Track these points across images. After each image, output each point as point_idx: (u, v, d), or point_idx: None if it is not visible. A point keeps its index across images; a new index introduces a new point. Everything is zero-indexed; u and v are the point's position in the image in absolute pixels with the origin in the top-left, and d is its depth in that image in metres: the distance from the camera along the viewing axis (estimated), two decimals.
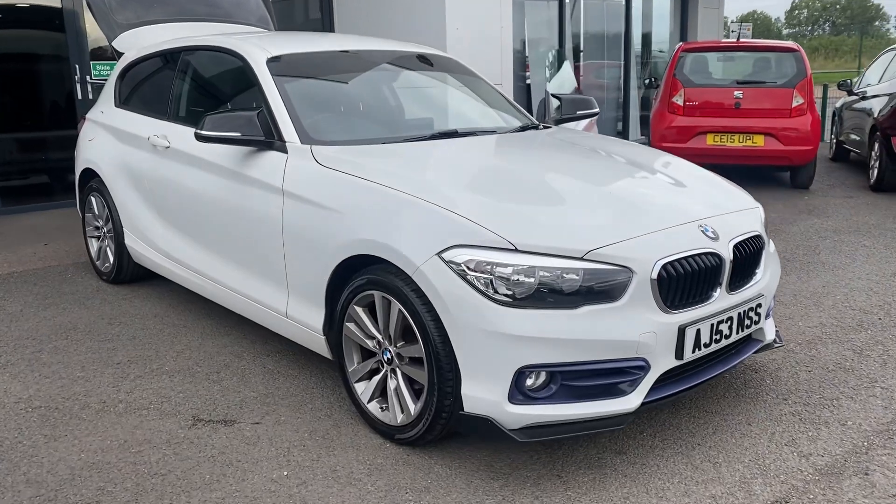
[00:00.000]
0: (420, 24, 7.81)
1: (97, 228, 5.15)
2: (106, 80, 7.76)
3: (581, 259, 2.61)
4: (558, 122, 4.61)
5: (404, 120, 3.84)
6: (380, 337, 2.99)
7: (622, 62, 12.36)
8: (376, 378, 3.04)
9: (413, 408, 2.86)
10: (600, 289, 2.62)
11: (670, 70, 8.66)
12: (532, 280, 2.58)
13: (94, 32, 7.73)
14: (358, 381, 3.12)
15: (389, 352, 2.95)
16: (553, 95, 4.81)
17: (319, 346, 3.30)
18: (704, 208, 3.06)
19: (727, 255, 2.90)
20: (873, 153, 8.66)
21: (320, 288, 3.18)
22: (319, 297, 3.21)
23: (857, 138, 9.53)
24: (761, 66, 8.73)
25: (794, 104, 8.21)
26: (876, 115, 8.55)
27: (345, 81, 3.99)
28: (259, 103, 3.68)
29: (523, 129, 4.12)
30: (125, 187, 4.64)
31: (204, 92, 4.34)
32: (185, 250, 4.12)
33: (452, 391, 2.70)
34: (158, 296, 4.81)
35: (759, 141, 8.24)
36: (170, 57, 4.54)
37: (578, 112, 4.63)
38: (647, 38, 13.54)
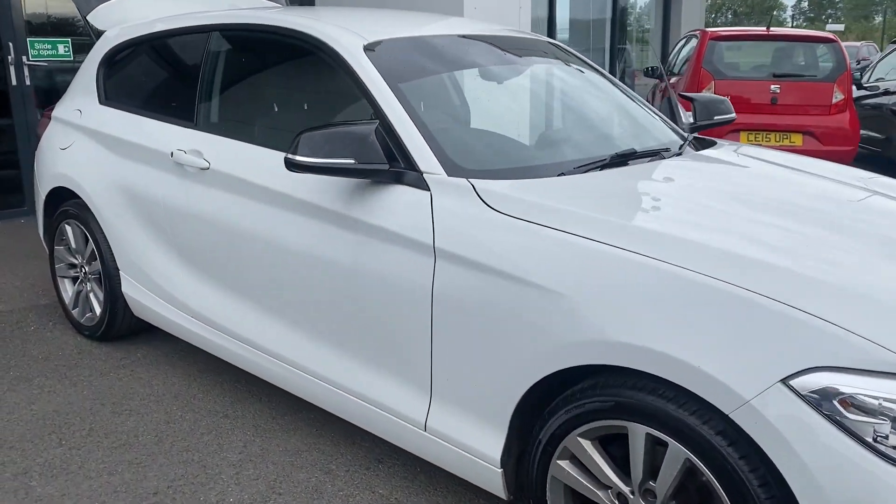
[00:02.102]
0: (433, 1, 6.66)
1: (74, 267, 3.85)
2: (48, 61, 6.33)
3: None
4: (693, 129, 3.61)
5: (563, 136, 2.75)
6: (625, 489, 1.93)
7: (608, 49, 11.49)
8: None
9: None
10: None
11: (698, 60, 7.78)
12: None
13: (30, 2, 6.24)
14: None
15: None
16: (682, 95, 3.81)
17: (489, 480, 2.22)
18: None
19: None
20: None
21: (504, 401, 2.10)
22: (499, 414, 2.13)
23: (878, 136, 8.95)
24: (797, 58, 7.97)
25: (835, 100, 7.49)
26: None
27: (473, 80, 2.87)
28: (351, 111, 2.54)
29: (683, 145, 3.08)
30: (125, 217, 3.38)
31: (259, 91, 3.12)
32: (234, 315, 2.92)
33: None
34: (169, 361, 3.57)
35: (797, 140, 7.49)
36: (190, 40, 3.28)
37: (716, 118, 3.65)
38: (622, 24, 12.75)
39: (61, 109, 3.90)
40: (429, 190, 2.30)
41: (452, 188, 2.26)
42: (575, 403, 1.95)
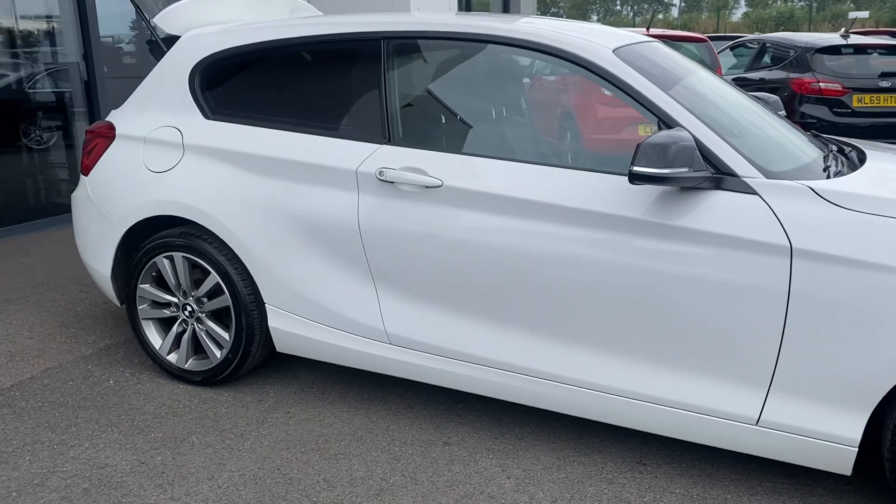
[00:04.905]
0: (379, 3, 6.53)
1: (167, 306, 3.37)
2: None
3: None
4: None
5: (765, 136, 2.91)
6: None
7: None
8: None
9: None
10: None
11: None
12: None
13: None
14: None
15: None
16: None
17: (838, 460, 2.39)
18: None
19: None
20: None
21: (873, 386, 2.28)
22: (863, 399, 2.30)
23: None
24: None
25: None
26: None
27: (699, 85, 2.96)
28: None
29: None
30: (280, 243, 3.03)
31: (486, 104, 2.95)
32: (488, 341, 2.78)
33: None
34: (315, 396, 3.27)
35: None
36: (352, 48, 3.01)
37: (778, 114, 4.05)
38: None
39: (134, 126, 3.38)
40: (756, 193, 2.39)
41: (786, 190, 2.37)
42: None
